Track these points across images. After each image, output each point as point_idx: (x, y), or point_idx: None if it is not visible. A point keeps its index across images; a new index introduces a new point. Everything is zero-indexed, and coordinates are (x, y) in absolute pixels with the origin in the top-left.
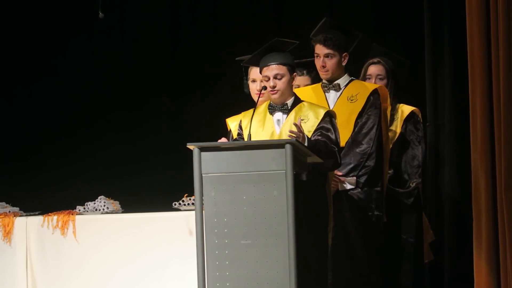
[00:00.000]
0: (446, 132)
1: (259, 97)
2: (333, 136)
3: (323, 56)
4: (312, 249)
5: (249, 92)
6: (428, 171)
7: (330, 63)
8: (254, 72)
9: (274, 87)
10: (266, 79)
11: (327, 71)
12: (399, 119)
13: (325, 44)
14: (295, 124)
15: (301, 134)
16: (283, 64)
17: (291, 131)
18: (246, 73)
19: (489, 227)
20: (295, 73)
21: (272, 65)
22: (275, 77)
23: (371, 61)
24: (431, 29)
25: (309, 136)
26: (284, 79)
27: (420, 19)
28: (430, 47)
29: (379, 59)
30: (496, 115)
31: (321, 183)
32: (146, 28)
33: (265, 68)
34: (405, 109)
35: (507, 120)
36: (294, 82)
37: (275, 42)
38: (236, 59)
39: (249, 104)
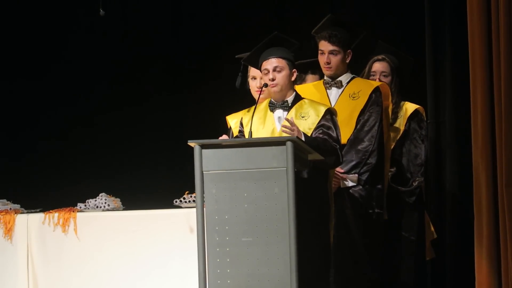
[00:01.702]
0: (447, 129)
1: (260, 95)
2: (334, 134)
3: (328, 53)
4: (313, 247)
5: (240, 86)
6: (429, 168)
7: (335, 59)
8: (254, 69)
9: (273, 79)
10: (266, 72)
11: (331, 67)
12: (403, 117)
13: (330, 40)
14: (287, 119)
15: (294, 128)
16: (283, 58)
17: (284, 126)
18: (244, 70)
19: (490, 224)
20: (294, 69)
21: (272, 59)
22: (274, 70)
23: (375, 58)
24: (432, 27)
25: (310, 134)
26: (283, 73)
27: (421, 17)
28: (431, 45)
29: (384, 56)
30: (497, 112)
31: (323, 180)
32: (147, 24)
33: (264, 62)
34: (409, 107)
35: (507, 117)
36: (293, 77)
37: (275, 36)
38: (236, 56)
39: (249, 101)
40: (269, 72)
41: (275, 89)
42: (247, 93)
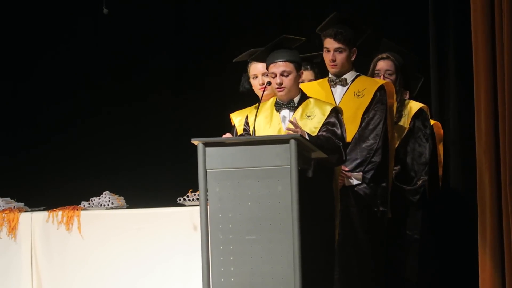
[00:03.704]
0: (451, 127)
1: (263, 92)
2: (338, 131)
3: (333, 51)
4: (317, 244)
5: (244, 90)
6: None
7: (340, 57)
8: (254, 68)
9: (280, 84)
10: (273, 75)
11: (336, 65)
12: (407, 115)
13: (335, 38)
14: (291, 121)
15: (298, 130)
16: (290, 61)
17: (288, 129)
18: (245, 73)
19: (494, 222)
20: (301, 71)
21: (279, 62)
22: (281, 74)
23: (380, 56)
24: (436, 25)
25: (316, 132)
26: (290, 76)
27: (425, 16)
28: (435, 43)
29: (388, 54)
30: (501, 110)
31: (328, 178)
32: (150, 22)
33: (272, 65)
34: (413, 106)
35: (511, 115)
36: (300, 79)
37: (282, 39)
38: (234, 60)
39: (253, 99)
40: (276, 76)
41: (282, 93)
42: (250, 91)
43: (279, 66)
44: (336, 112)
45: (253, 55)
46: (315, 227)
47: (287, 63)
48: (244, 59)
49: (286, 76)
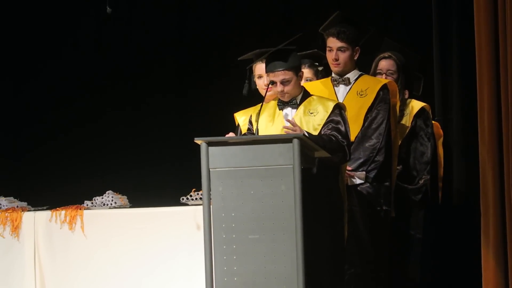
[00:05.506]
0: (454, 127)
1: (266, 91)
2: (343, 129)
3: (336, 50)
4: (326, 242)
5: (247, 94)
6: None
7: (343, 56)
8: (259, 68)
9: (282, 91)
10: (274, 83)
11: (339, 64)
12: (409, 114)
13: (338, 37)
14: (289, 121)
15: (297, 129)
16: (289, 69)
17: (286, 127)
18: (249, 76)
19: (497, 221)
20: (301, 72)
21: (278, 72)
22: (282, 83)
23: (381, 55)
24: (439, 23)
25: (319, 129)
26: (292, 82)
27: (428, 14)
28: (438, 42)
29: (390, 54)
30: (504, 109)
31: (333, 176)
32: (153, 22)
33: (271, 74)
34: (415, 105)
35: None
36: (302, 79)
37: (278, 50)
38: (239, 59)
39: (257, 99)
40: (277, 84)
41: (285, 98)
42: (254, 91)
43: (279, 75)
44: (339, 109)
45: (259, 55)
46: (323, 225)
47: (286, 71)
48: (249, 58)
49: (287, 83)
